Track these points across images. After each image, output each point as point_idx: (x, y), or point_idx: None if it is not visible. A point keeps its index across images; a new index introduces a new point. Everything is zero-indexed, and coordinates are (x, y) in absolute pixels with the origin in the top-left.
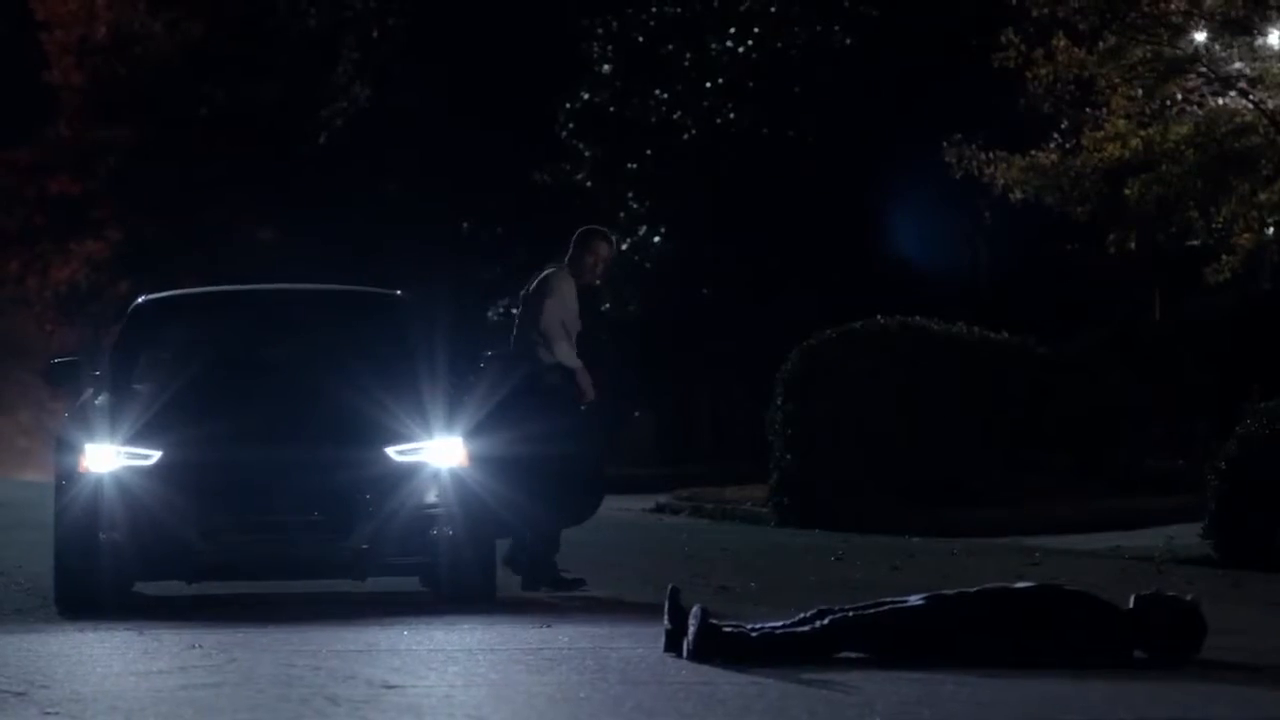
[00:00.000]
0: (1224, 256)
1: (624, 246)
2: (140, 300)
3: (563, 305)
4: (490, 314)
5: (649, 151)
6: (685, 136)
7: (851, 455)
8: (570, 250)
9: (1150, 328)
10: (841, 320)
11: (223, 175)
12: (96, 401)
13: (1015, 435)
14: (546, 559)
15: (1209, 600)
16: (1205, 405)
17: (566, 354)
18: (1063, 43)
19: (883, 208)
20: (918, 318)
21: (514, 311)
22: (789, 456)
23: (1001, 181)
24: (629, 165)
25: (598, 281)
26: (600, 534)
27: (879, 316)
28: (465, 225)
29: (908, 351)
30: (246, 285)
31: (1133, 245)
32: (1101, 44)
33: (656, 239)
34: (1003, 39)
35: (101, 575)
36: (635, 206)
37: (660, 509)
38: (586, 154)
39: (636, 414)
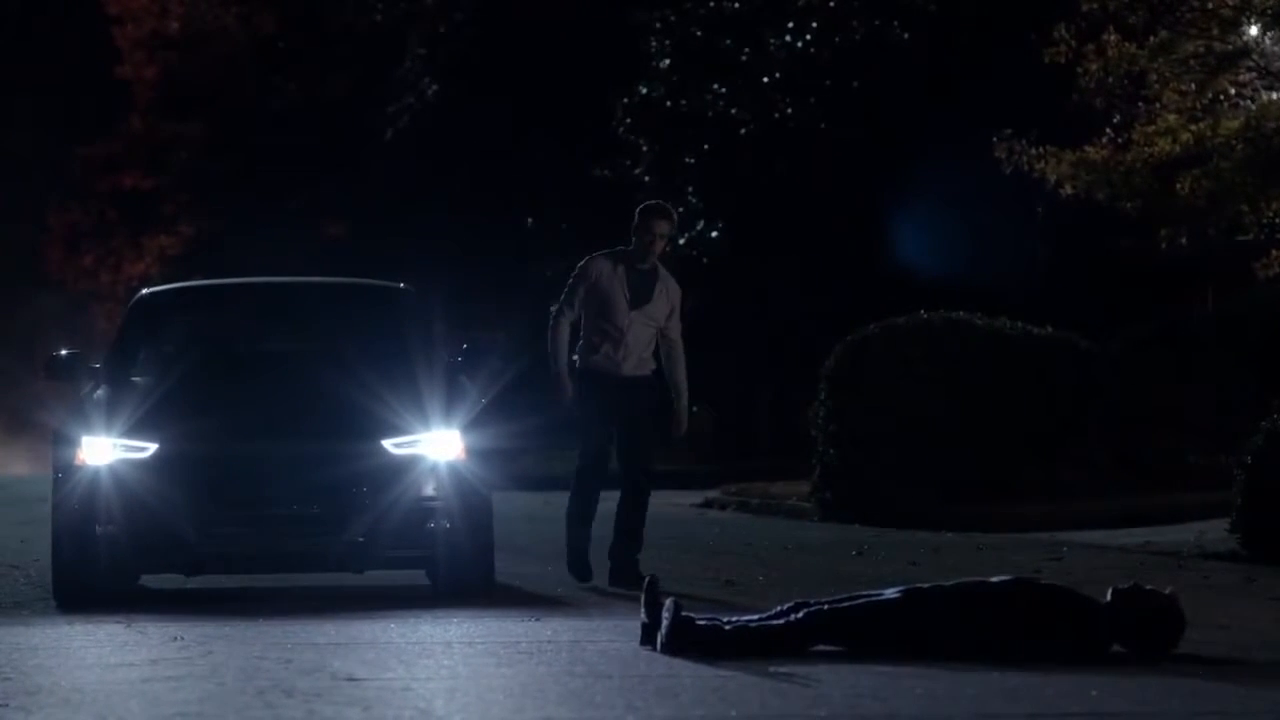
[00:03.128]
0: (1273, 251)
1: (681, 241)
2: (142, 293)
3: (576, 294)
4: (552, 309)
5: (706, 146)
6: (742, 131)
7: (893, 450)
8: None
9: (1195, 323)
10: (891, 315)
11: (292, 170)
12: (95, 395)
13: (1058, 431)
14: (571, 551)
15: (1218, 594)
16: (1249, 401)
17: (553, 352)
18: (1114, 37)
19: (933, 202)
20: (962, 313)
21: None
22: (832, 451)
23: (1053, 177)
24: (687, 160)
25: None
26: None
27: (923, 311)
28: (530, 221)
29: (951, 346)
30: (249, 278)
31: (1183, 240)
32: (1152, 38)
33: (714, 234)
34: (1055, 34)
35: (98, 568)
36: (694, 201)
37: (708, 504)
38: (644, 149)
39: (694, 409)
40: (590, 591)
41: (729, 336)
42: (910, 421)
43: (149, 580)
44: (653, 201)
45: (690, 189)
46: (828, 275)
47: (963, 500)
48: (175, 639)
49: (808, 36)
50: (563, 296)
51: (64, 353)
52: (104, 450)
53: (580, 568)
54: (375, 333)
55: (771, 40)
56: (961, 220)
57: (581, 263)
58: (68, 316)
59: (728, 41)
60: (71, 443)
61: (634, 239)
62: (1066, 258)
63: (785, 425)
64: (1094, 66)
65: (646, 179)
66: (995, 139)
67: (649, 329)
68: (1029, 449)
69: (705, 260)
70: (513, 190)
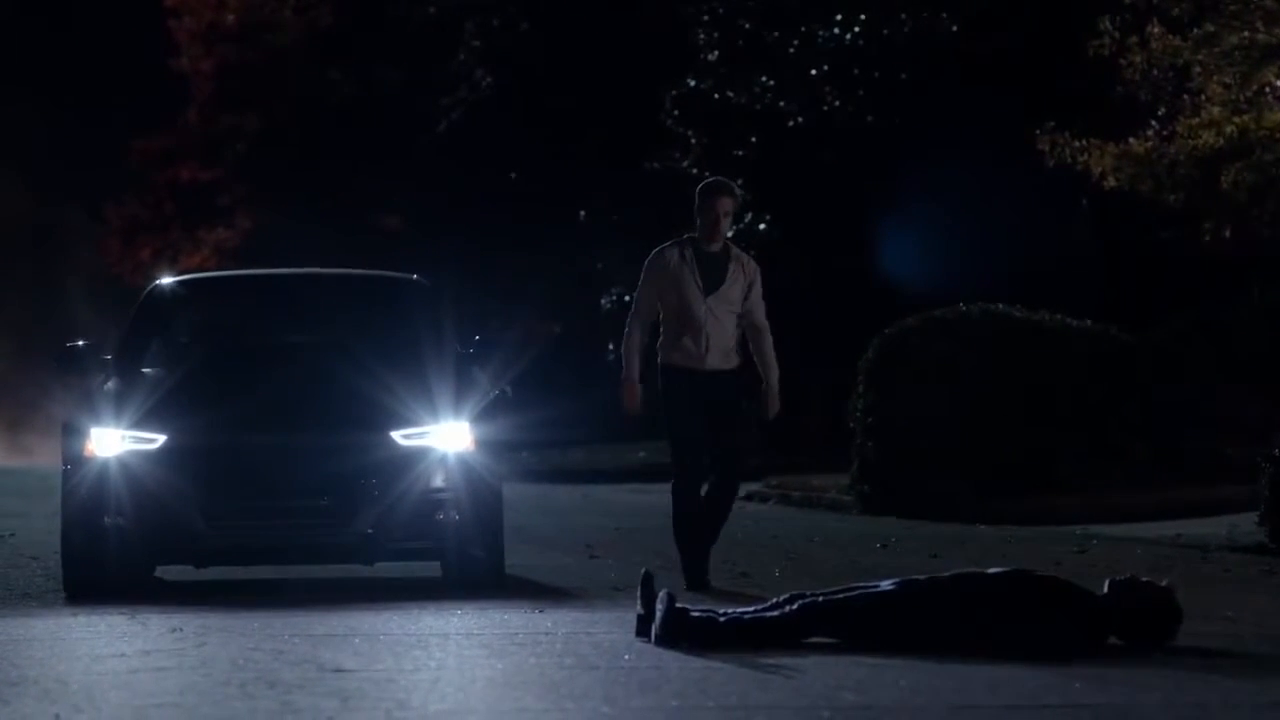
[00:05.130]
0: None
1: (730, 234)
2: (155, 284)
3: (644, 295)
4: (604, 302)
5: (754, 139)
6: (790, 124)
7: (930, 443)
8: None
9: (1235, 316)
10: (933, 307)
11: (348, 162)
12: (105, 386)
13: (1097, 423)
14: (681, 560)
15: (1235, 586)
16: None
17: (625, 358)
18: (1157, 30)
19: (975, 194)
20: (1000, 305)
21: (627, 299)
22: (869, 444)
23: (1097, 170)
24: (735, 152)
25: (726, 237)
26: (663, 521)
27: (961, 303)
28: (582, 214)
29: (989, 338)
30: (260, 270)
31: (1227, 233)
32: (1196, 31)
33: (762, 226)
34: (1099, 27)
35: (108, 560)
36: (742, 194)
37: (749, 497)
38: (693, 141)
39: (744, 402)
40: (599, 584)
41: (779, 328)
42: (947, 414)
43: (163, 572)
44: (713, 178)
45: (739, 181)
46: (874, 267)
47: (999, 493)
48: (174, 630)
49: (856, 29)
50: (635, 299)
51: (79, 343)
52: (113, 442)
53: (692, 576)
54: (385, 324)
55: (820, 33)
56: (1004, 212)
57: (648, 258)
58: (123, 309)
59: (775, 34)
60: (81, 434)
61: (698, 221)
62: (1108, 250)
63: (835, 417)
64: (1137, 59)
65: (694, 171)
66: (1038, 131)
67: (729, 316)
68: (1067, 441)
69: (753, 253)
70: (565, 182)
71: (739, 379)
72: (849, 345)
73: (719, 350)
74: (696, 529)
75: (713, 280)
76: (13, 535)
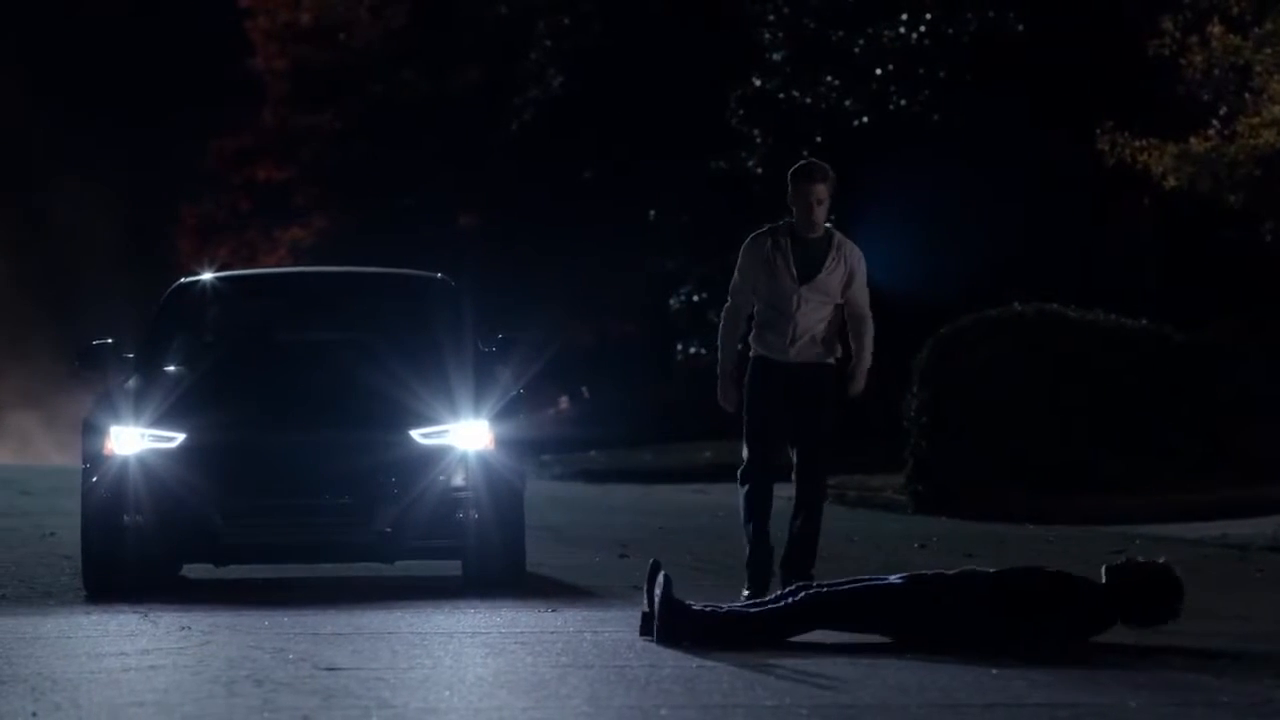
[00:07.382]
0: None
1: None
2: (178, 282)
3: (738, 283)
4: (673, 302)
5: (819, 138)
6: (855, 124)
7: (985, 442)
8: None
9: None
10: (988, 306)
11: (421, 161)
12: (127, 384)
13: (1150, 423)
14: (748, 562)
15: (1262, 586)
16: None
17: (720, 352)
18: (1218, 29)
19: (1038, 193)
20: (1054, 305)
21: (696, 299)
22: (923, 444)
23: (1159, 169)
24: (801, 152)
25: (826, 224)
26: (708, 520)
27: (1015, 303)
28: (652, 213)
29: (1043, 338)
30: (285, 268)
31: None
32: (1256, 30)
33: (828, 225)
34: (1161, 27)
35: (127, 558)
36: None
37: None
38: (758, 140)
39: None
40: (621, 583)
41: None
42: (1001, 414)
43: (187, 570)
44: (804, 162)
45: None
46: (940, 267)
47: (1052, 492)
48: (183, 629)
49: (921, 29)
50: (730, 289)
51: (107, 341)
52: (132, 440)
53: (757, 581)
54: (407, 322)
55: (885, 33)
56: (1061, 212)
57: (743, 245)
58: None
59: (840, 34)
60: (100, 432)
61: (793, 209)
62: (1166, 250)
63: (894, 417)
64: (1198, 59)
65: (760, 171)
66: (1099, 131)
67: (824, 306)
68: (1120, 441)
69: None
70: (634, 182)
71: (831, 373)
72: (908, 343)
73: (806, 342)
74: (763, 525)
75: (808, 269)
76: (53, 534)
